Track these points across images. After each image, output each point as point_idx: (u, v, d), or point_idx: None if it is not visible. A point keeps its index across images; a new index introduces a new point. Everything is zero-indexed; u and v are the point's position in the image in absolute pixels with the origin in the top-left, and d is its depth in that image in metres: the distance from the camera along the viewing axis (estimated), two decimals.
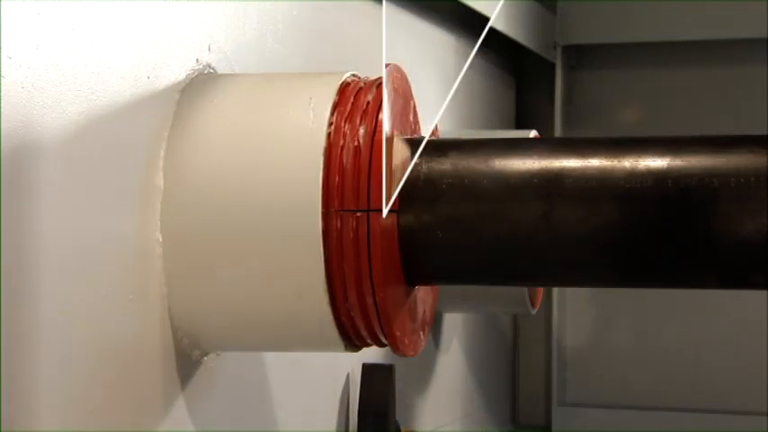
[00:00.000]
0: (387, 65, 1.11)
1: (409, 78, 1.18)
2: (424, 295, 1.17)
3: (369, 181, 1.03)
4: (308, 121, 1.06)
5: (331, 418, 1.57)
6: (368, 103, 1.07)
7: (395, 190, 1.05)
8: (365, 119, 1.06)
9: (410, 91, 1.18)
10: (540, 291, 2.05)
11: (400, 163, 1.07)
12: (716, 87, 2.72)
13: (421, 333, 1.15)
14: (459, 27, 2.20)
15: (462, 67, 2.24)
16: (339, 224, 1.04)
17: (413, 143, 1.11)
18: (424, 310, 1.17)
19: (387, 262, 1.04)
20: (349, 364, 1.61)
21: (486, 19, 2.17)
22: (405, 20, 1.89)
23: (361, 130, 1.05)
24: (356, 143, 1.05)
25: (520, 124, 2.77)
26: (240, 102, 1.10)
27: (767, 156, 1.02)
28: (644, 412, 2.71)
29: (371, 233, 1.03)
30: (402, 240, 1.07)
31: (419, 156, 1.08)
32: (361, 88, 1.10)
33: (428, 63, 2.04)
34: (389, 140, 1.06)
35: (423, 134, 1.16)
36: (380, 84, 1.09)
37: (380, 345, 1.11)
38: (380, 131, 1.05)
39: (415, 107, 1.19)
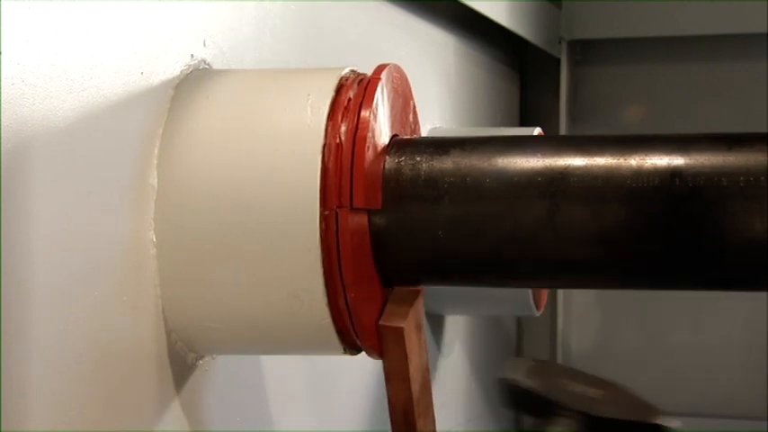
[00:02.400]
0: (386, 65, 1.10)
1: (409, 78, 1.16)
2: None
3: (351, 179, 1.02)
4: (306, 119, 1.05)
5: (329, 421, 1.57)
6: (349, 99, 1.06)
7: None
8: (346, 116, 1.04)
9: (410, 91, 1.17)
10: (545, 292, 2.04)
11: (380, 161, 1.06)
12: (722, 83, 2.71)
13: None
14: (459, 27, 2.20)
15: (462, 67, 2.23)
16: (331, 224, 1.02)
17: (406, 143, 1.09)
18: None
19: (357, 260, 1.03)
20: (348, 366, 1.60)
21: (487, 19, 2.17)
22: (405, 20, 1.89)
23: (343, 127, 1.04)
24: (338, 140, 1.03)
25: (524, 121, 2.76)
26: (236, 98, 1.09)
27: None
28: None
29: (340, 232, 1.02)
30: (400, 240, 1.05)
31: (418, 154, 1.07)
32: (359, 83, 1.08)
33: (428, 63, 2.04)
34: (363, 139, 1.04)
35: (423, 134, 1.16)
36: (362, 80, 1.08)
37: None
38: (363, 129, 1.03)
39: (414, 107, 1.18)
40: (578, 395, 1.09)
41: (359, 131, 1.04)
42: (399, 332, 1.04)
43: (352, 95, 1.06)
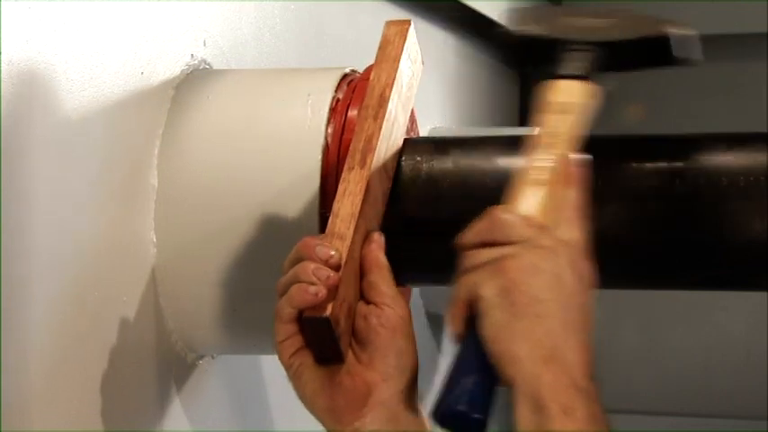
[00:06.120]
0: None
1: None
2: None
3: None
4: (306, 119, 1.05)
5: None
6: (337, 100, 1.06)
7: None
8: (334, 117, 1.04)
9: None
10: None
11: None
12: (722, 83, 2.71)
13: None
14: (459, 27, 2.19)
15: (462, 67, 2.23)
16: None
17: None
18: None
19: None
20: None
21: (487, 19, 2.17)
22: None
23: (329, 129, 1.04)
24: (325, 142, 1.04)
25: (524, 121, 2.76)
26: (236, 98, 1.09)
27: None
28: (650, 417, 2.69)
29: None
30: (400, 240, 1.05)
31: (418, 154, 1.07)
32: (348, 84, 1.08)
33: (428, 63, 2.03)
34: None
35: (421, 134, 1.15)
36: (352, 80, 1.08)
37: None
38: (350, 131, 1.03)
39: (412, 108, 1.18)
40: (584, 28, 0.99)
41: (345, 134, 1.04)
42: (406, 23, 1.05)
43: (340, 96, 1.06)
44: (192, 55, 1.13)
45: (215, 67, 1.17)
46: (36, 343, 0.91)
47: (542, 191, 0.88)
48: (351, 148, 0.97)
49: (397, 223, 1.06)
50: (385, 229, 1.03)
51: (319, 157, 1.03)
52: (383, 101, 1.00)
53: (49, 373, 0.93)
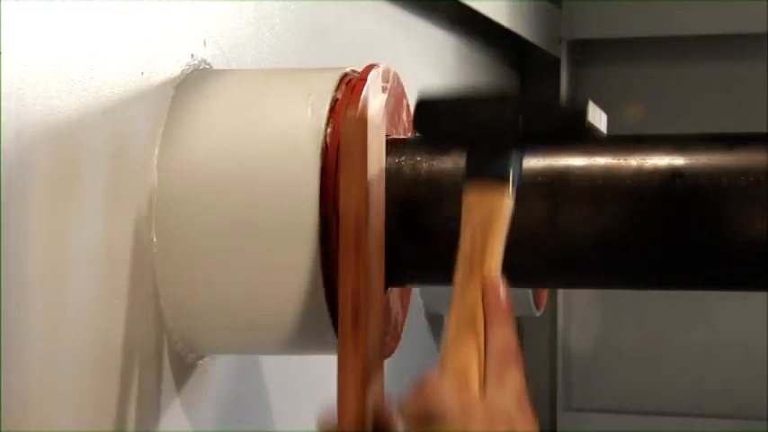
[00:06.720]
0: (374, 65, 1.09)
1: (402, 77, 1.16)
2: (396, 297, 1.15)
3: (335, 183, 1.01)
4: (306, 119, 1.05)
5: None
6: (336, 100, 1.06)
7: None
8: (334, 117, 1.04)
9: (402, 90, 1.16)
10: (545, 292, 2.04)
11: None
12: (722, 83, 2.71)
13: (393, 335, 1.14)
14: (459, 27, 2.20)
15: (462, 67, 2.23)
16: (331, 224, 1.02)
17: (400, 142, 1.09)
18: (397, 312, 1.16)
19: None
20: None
21: (487, 19, 2.17)
22: (405, 20, 1.89)
23: (329, 129, 1.04)
24: (325, 142, 1.03)
25: None
26: (236, 98, 1.09)
27: None
28: (650, 417, 2.69)
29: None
30: (400, 240, 1.05)
31: (418, 153, 1.07)
32: (347, 85, 1.08)
33: (428, 63, 2.04)
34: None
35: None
36: (350, 81, 1.08)
37: None
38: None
39: (408, 106, 1.18)
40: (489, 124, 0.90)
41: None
42: (363, 122, 0.99)
43: (339, 96, 1.06)
44: (192, 55, 1.13)
45: (215, 67, 1.17)
46: (36, 343, 0.91)
47: (473, 336, 0.88)
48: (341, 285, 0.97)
49: (398, 223, 1.06)
50: (386, 229, 1.03)
51: (319, 157, 1.03)
52: (359, 233, 0.97)
53: (49, 373, 0.93)
